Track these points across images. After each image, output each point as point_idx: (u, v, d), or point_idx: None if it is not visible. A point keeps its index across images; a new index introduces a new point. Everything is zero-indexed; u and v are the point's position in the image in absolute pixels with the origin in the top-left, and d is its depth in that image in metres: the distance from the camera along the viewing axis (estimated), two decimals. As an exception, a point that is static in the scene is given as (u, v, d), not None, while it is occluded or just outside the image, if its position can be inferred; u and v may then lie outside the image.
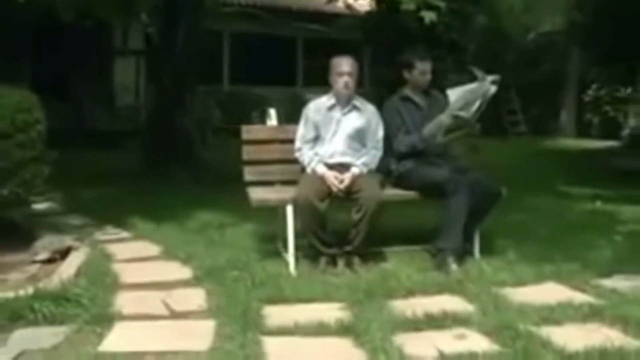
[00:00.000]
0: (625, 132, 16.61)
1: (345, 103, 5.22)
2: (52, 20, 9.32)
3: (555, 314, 4.09)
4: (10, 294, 4.02)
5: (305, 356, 3.64)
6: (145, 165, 9.30)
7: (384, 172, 5.33)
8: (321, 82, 17.93)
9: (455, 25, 14.64)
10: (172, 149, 9.19)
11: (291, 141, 5.38)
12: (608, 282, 4.74)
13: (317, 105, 5.27)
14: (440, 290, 4.59)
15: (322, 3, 17.99)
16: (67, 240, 5.19)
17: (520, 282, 4.74)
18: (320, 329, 3.91)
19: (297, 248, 5.05)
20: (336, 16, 17.97)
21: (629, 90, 15.60)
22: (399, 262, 5.14)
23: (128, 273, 4.92)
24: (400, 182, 5.28)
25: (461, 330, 3.91)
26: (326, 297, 4.45)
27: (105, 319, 3.99)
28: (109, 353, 3.59)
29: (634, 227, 6.50)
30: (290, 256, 4.97)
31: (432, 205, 5.48)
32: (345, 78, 5.12)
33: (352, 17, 17.33)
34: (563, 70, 17.89)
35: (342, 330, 3.90)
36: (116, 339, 3.78)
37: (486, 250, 5.36)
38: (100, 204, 7.32)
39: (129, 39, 15.93)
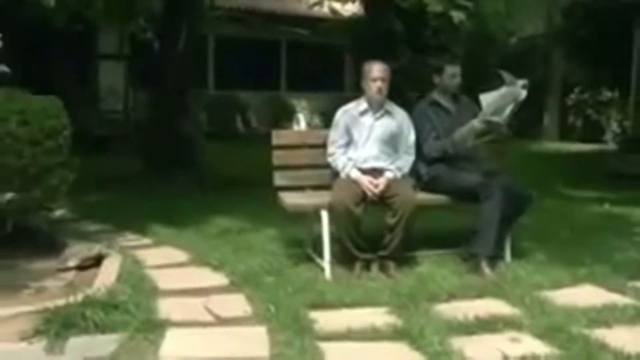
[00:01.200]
0: (608, 135, 16.88)
1: (377, 108, 5.23)
2: (41, 23, 9.26)
3: (602, 317, 4.14)
4: (60, 302, 3.96)
5: (369, 361, 3.65)
6: (147, 170, 9.23)
7: (413, 176, 5.34)
8: (305, 86, 18.04)
9: (443, 29, 14.76)
10: (173, 153, 9.13)
11: (321, 146, 5.38)
12: (644, 284, 4.80)
13: (349, 111, 5.28)
14: (480, 293, 4.61)
15: (307, 7, 18.08)
16: (97, 248, 5.12)
17: (557, 285, 4.79)
18: (373, 334, 3.92)
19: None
20: (320, 20, 17.99)
21: (614, 93, 15.80)
22: (432, 266, 5.16)
23: (163, 279, 4.88)
24: (430, 186, 5.31)
25: (513, 333, 3.93)
26: (369, 302, 4.46)
27: (155, 326, 3.96)
28: (170, 360, 3.57)
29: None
30: (326, 261, 4.96)
31: (458, 209, 5.51)
32: (379, 83, 5.14)
33: (336, 21, 17.37)
34: (546, 74, 18.08)
35: (397, 334, 3.91)
36: (172, 346, 3.75)
37: (514, 253, 5.39)
38: (110, 210, 7.25)
39: (115, 44, 15.80)
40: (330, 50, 19.94)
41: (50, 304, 3.92)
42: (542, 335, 3.86)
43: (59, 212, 6.38)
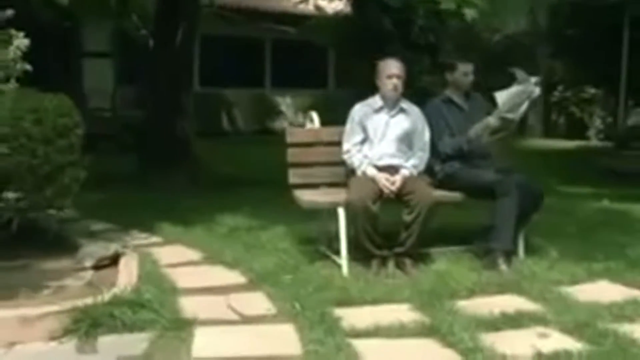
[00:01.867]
0: (591, 132, 17.05)
1: (393, 105, 5.25)
2: (26, 19, 9.13)
3: (626, 312, 4.19)
4: (88, 301, 3.93)
5: (401, 358, 3.65)
6: (143, 168, 9.18)
7: (427, 173, 5.37)
8: (290, 83, 18.05)
9: (432, 27, 14.81)
10: (169, 152, 9.08)
11: (335, 143, 5.39)
12: (659, 279, 4.86)
13: (364, 108, 5.29)
14: (499, 290, 4.64)
15: (290, 4, 18.06)
16: (113, 247, 5.09)
17: (574, 281, 4.83)
18: (401, 331, 3.93)
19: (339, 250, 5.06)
20: (305, 18, 17.97)
21: (598, 91, 15.97)
22: (448, 263, 5.18)
23: (181, 278, 4.86)
24: (444, 183, 5.33)
25: (540, 329, 3.96)
26: (391, 299, 4.47)
27: (183, 325, 3.95)
28: (204, 359, 3.55)
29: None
30: (343, 259, 4.97)
31: (470, 206, 5.55)
32: (394, 80, 5.16)
33: (321, 19, 17.36)
34: (530, 72, 18.18)
35: (425, 331, 3.93)
36: (204, 344, 3.74)
37: (526, 249, 5.43)
38: (112, 209, 7.19)
39: (101, 41, 15.69)
40: (314, 48, 19.93)
41: (79, 303, 3.88)
42: (571, 331, 3.89)
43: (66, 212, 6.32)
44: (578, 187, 9.19)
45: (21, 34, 4.08)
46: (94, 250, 5.05)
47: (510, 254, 5.10)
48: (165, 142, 9.14)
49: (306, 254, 5.39)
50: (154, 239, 6.04)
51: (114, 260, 5.01)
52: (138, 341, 3.75)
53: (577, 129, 17.24)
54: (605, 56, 11.96)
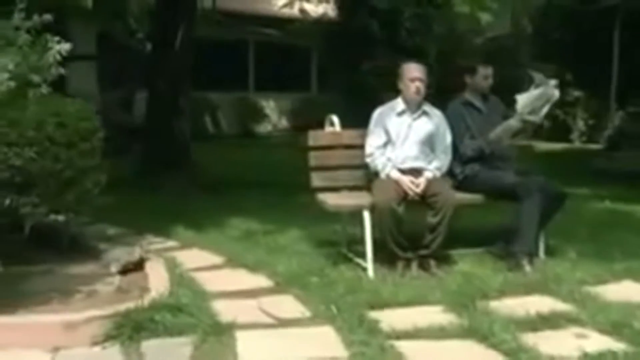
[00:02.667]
0: (575, 134, 17.23)
1: (415, 108, 5.28)
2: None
3: (659, 312, 4.24)
4: (130, 306, 3.92)
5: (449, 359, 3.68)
6: (142, 171, 9.13)
7: (447, 175, 5.41)
8: (273, 86, 18.02)
9: (418, 30, 14.91)
10: (169, 155, 9.05)
11: (355, 147, 5.41)
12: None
13: (387, 111, 5.32)
14: (528, 291, 4.69)
15: (275, 8, 18.07)
16: (137, 252, 5.07)
17: (598, 281, 4.89)
18: (441, 332, 3.96)
19: (363, 252, 5.08)
20: (289, 21, 18.00)
21: (581, 93, 16.14)
22: (470, 264, 5.23)
23: (207, 282, 4.86)
24: (464, 185, 5.37)
25: (576, 329, 4.01)
26: (423, 301, 4.50)
27: (223, 329, 3.94)
28: (253, 364, 3.56)
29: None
30: (369, 261, 4.99)
31: (485, 207, 5.59)
32: (417, 83, 5.19)
33: (304, 22, 17.39)
34: (514, 75, 18.33)
35: (464, 332, 3.96)
36: (249, 349, 3.74)
37: (545, 250, 5.48)
38: (120, 213, 7.10)
39: (85, 44, 15.53)
40: (297, 51, 19.98)
41: (121, 308, 3.87)
42: (609, 331, 3.93)
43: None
44: (576, 188, 9.21)
45: (56, 38, 4.02)
46: (118, 255, 5.02)
47: (532, 256, 5.14)
48: (165, 145, 9.11)
49: (328, 257, 5.40)
50: (170, 243, 6.01)
51: (137, 264, 4.98)
52: (181, 345, 3.74)
53: (560, 131, 17.38)
54: (594, 59, 12.10)
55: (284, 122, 20.12)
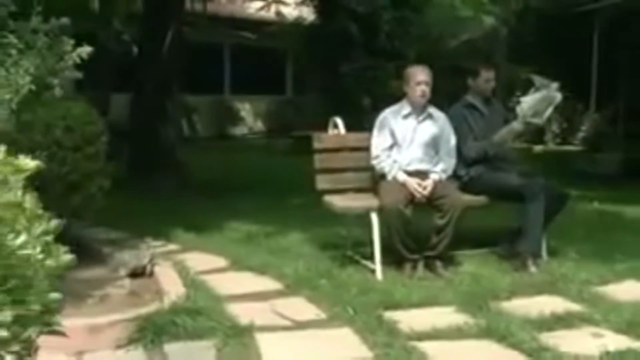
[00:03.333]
0: (548, 136, 17.39)
1: (421, 111, 5.32)
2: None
3: (670, 310, 4.32)
4: (150, 309, 3.91)
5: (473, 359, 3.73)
6: (129, 174, 9.06)
7: (452, 177, 5.46)
8: (248, 89, 17.91)
9: (397, 33, 14.99)
10: (155, 157, 9.01)
11: (360, 149, 5.44)
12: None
13: (392, 114, 5.35)
14: (537, 291, 4.75)
15: (251, 10, 18.03)
16: (146, 256, 5.04)
17: (603, 281, 4.97)
18: (459, 333, 4.01)
19: (371, 255, 5.12)
20: (265, 24, 17.98)
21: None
22: (475, 265, 5.29)
23: (216, 285, 4.85)
24: (468, 187, 5.42)
25: (591, 329, 4.08)
26: (435, 301, 4.54)
27: (242, 332, 3.95)
28: (281, 366, 3.58)
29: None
30: (377, 263, 5.02)
31: (486, 208, 5.64)
32: (423, 87, 5.23)
33: (283, 25, 17.39)
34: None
35: (482, 332, 4.01)
36: (272, 351, 3.75)
37: (547, 251, 5.55)
38: (116, 215, 7.04)
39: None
40: (272, 54, 19.96)
41: (142, 312, 3.86)
42: (624, 330, 4.00)
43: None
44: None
45: (71, 40, 4.00)
46: (125, 259, 4.99)
47: (537, 256, 5.21)
48: (152, 148, 9.06)
49: (333, 259, 5.42)
50: (172, 246, 5.98)
51: (145, 268, 4.95)
52: (204, 349, 3.74)
53: (534, 133, 17.56)
54: (571, 63, 12.26)
55: (259, 125, 20.10)
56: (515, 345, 3.79)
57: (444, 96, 9.65)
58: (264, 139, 18.59)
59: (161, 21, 8.98)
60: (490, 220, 5.94)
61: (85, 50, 3.99)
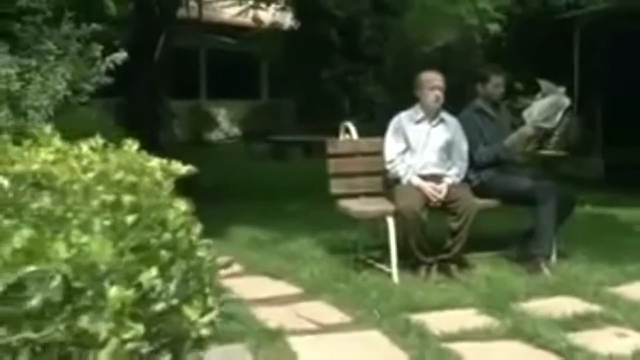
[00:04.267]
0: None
1: (434, 116, 5.39)
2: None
3: (686, 310, 4.42)
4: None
5: (506, 360, 3.78)
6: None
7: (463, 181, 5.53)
8: (224, 94, 17.85)
9: (377, 39, 15.09)
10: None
11: (373, 154, 5.49)
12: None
13: (406, 118, 5.41)
14: (554, 292, 4.82)
15: (228, 16, 18.00)
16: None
17: (615, 282, 5.05)
18: (487, 334, 4.06)
19: (385, 258, 5.17)
20: (241, 29, 17.97)
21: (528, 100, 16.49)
22: (489, 268, 5.34)
23: (238, 289, 4.85)
24: (479, 191, 5.48)
25: (615, 328, 4.14)
26: (457, 304, 4.59)
27: (274, 335, 3.97)
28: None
29: (644, 228, 7.02)
30: (393, 266, 5.07)
31: (498, 211, 5.72)
32: (437, 92, 5.30)
33: (261, 30, 17.40)
34: (464, 83, 18.66)
35: (510, 333, 4.06)
36: (307, 354, 3.77)
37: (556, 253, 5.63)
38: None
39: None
40: (247, 59, 19.93)
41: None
42: (646, 330, 4.08)
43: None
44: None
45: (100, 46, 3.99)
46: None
47: (549, 258, 5.29)
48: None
49: (347, 263, 5.46)
50: (180, 251, 5.94)
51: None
52: (238, 352, 3.75)
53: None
54: (549, 69, 12.39)
55: (235, 130, 20.06)
56: (545, 346, 3.84)
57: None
58: (241, 144, 18.54)
59: (154, 27, 8.95)
60: (498, 223, 6.00)
61: (120, 56, 3.98)
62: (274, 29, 17.31)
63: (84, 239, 1.37)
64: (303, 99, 16.90)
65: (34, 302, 1.18)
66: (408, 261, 5.19)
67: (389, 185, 5.37)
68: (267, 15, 17.09)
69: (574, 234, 6.40)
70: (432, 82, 5.32)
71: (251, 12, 16.88)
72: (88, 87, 3.93)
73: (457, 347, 3.84)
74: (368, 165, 5.51)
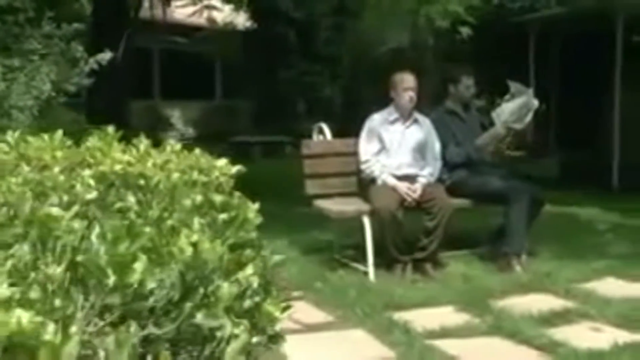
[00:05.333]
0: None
1: (408, 116, 5.46)
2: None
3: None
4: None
5: (491, 356, 3.85)
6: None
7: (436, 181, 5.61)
8: (178, 95, 17.73)
9: (335, 40, 15.18)
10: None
11: (347, 154, 5.54)
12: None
13: (380, 119, 5.48)
14: (528, 289, 4.93)
15: (182, 16, 17.90)
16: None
17: (585, 279, 5.18)
18: (469, 331, 4.14)
19: (361, 257, 5.23)
20: (195, 29, 17.89)
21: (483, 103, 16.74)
22: (462, 266, 5.44)
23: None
24: (451, 190, 5.56)
25: (589, 323, 4.26)
26: (436, 302, 4.67)
27: (260, 335, 3.96)
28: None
29: (604, 226, 7.18)
30: (370, 265, 5.12)
31: (468, 211, 5.82)
32: (411, 93, 5.38)
33: (211, 30, 17.35)
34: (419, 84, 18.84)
35: (493, 330, 4.14)
36: (298, 354, 3.76)
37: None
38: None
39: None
40: (201, 59, 19.83)
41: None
42: (619, 324, 4.19)
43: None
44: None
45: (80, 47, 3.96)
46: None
47: (520, 257, 5.40)
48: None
49: (322, 263, 5.51)
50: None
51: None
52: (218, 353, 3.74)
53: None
54: (508, 72, 12.57)
55: (190, 131, 19.93)
56: (527, 342, 3.93)
57: (375, 100, 9.63)
58: (197, 145, 18.40)
59: (116, 28, 8.89)
60: (468, 222, 6.10)
61: (105, 57, 3.95)
62: (230, 29, 17.24)
63: (195, 237, 1.39)
64: (259, 99, 16.88)
65: (157, 298, 1.21)
66: (383, 260, 5.25)
67: (364, 185, 5.42)
68: (221, 15, 17.05)
69: (540, 232, 6.54)
70: (406, 83, 5.41)
71: (205, 13, 16.86)
72: (70, 88, 3.89)
73: (442, 344, 3.91)
74: (342, 166, 5.55)
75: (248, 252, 1.61)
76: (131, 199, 1.66)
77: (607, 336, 3.99)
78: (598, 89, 11.01)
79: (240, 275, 1.46)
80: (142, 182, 1.82)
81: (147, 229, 1.31)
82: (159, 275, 1.21)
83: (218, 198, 1.81)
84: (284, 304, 1.62)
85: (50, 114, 3.99)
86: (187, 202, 1.73)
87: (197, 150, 2.50)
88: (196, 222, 1.54)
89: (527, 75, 12.17)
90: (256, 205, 2.01)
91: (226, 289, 1.35)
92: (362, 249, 5.25)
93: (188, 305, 1.28)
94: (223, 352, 1.32)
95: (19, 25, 3.78)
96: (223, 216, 1.73)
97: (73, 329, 1.10)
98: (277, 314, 1.59)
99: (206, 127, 19.25)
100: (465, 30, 9.72)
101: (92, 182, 1.76)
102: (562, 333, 4.05)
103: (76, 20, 4.25)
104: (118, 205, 1.60)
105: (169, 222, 1.50)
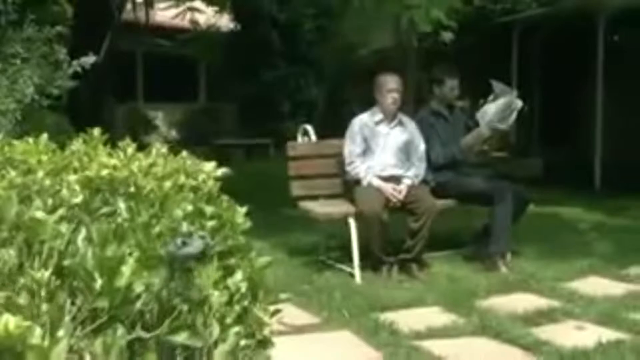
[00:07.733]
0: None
1: (392, 118, 5.47)
2: None
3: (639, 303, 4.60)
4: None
5: (478, 356, 3.87)
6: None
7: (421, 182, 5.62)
8: (161, 97, 17.69)
9: (318, 42, 15.18)
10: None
11: (331, 156, 5.55)
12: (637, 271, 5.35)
13: (364, 121, 5.48)
14: (512, 289, 4.96)
15: (165, 18, 17.82)
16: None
17: (569, 277, 5.22)
18: (455, 331, 4.15)
19: (347, 258, 5.24)
20: (178, 32, 17.82)
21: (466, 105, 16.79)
22: (446, 266, 5.47)
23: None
24: (436, 191, 5.59)
25: (573, 322, 4.28)
26: (421, 302, 4.68)
27: (245, 338, 3.96)
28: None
29: (587, 225, 7.23)
30: (356, 267, 5.13)
31: (452, 212, 5.84)
32: (394, 94, 5.39)
33: (195, 32, 17.28)
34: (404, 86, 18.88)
35: (478, 330, 4.15)
36: (281, 355, 3.77)
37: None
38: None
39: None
40: (184, 61, 19.78)
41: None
42: (603, 322, 4.22)
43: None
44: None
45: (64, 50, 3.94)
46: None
47: (505, 257, 5.43)
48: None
49: (309, 264, 5.51)
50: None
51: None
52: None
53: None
54: (491, 73, 12.61)
55: (173, 134, 19.88)
56: (513, 341, 3.94)
57: (357, 102, 9.73)
58: (180, 147, 18.35)
59: (98, 31, 8.86)
60: (452, 222, 6.11)
61: (89, 60, 3.94)
62: (213, 32, 17.19)
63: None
64: (243, 101, 16.85)
65: (144, 301, 1.20)
66: (369, 261, 5.26)
67: (349, 186, 5.43)
68: (204, 17, 16.98)
69: (524, 232, 6.58)
70: (389, 85, 5.42)
71: (189, 15, 16.79)
72: (54, 91, 3.87)
73: (428, 344, 3.91)
74: (327, 167, 5.56)
75: (237, 258, 1.61)
76: (121, 205, 1.65)
77: (591, 334, 4.02)
78: (580, 88, 11.08)
79: (230, 281, 1.45)
80: (132, 189, 1.81)
81: (135, 233, 1.30)
82: (147, 279, 1.21)
83: (209, 209, 1.81)
84: (273, 308, 1.61)
85: (33, 117, 3.97)
86: (179, 213, 1.72)
87: (184, 153, 2.46)
88: (185, 228, 1.53)
89: (510, 76, 12.25)
90: (244, 209, 1.99)
91: (216, 297, 1.35)
92: (347, 250, 5.25)
93: (177, 309, 1.27)
94: (211, 354, 1.31)
95: (0, 28, 3.75)
96: (212, 223, 1.72)
97: (60, 333, 1.10)
98: (266, 318, 1.59)
99: (190, 130, 19.21)
100: (447, 35, 9.72)
101: (77, 187, 1.75)
102: (547, 332, 4.08)
103: (57, 23, 4.21)
104: (104, 210, 1.60)
105: (157, 229, 1.49)
